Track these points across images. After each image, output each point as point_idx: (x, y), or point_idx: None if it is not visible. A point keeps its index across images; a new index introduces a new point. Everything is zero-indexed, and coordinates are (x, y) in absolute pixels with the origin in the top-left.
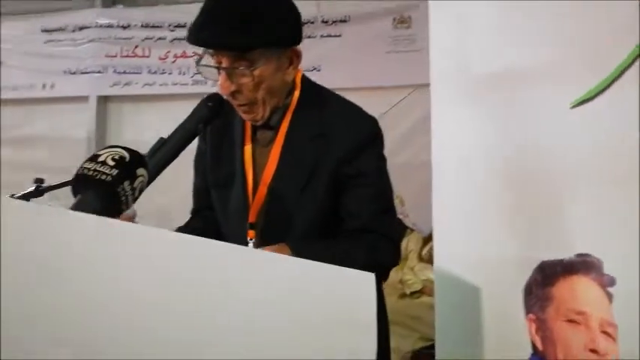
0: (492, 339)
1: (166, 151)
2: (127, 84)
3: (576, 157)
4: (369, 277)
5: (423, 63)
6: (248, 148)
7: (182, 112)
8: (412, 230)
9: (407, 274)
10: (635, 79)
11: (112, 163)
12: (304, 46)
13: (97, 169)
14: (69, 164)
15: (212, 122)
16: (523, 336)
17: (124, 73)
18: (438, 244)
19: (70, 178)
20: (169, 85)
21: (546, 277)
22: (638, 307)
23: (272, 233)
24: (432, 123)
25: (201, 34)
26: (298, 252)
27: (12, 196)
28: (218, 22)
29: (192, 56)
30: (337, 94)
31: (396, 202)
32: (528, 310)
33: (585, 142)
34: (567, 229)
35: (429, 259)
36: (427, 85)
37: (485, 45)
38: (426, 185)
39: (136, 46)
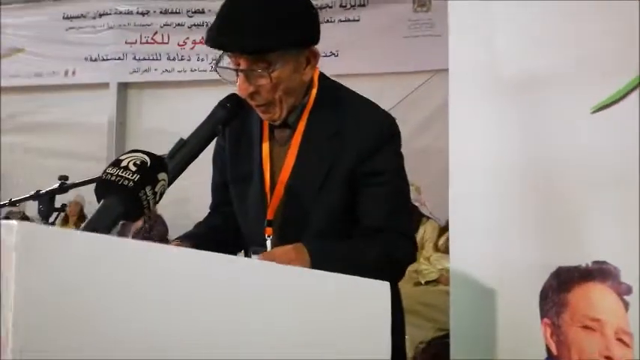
0: (507, 341)
1: (186, 152)
2: (146, 70)
3: (596, 162)
4: (384, 286)
5: (442, 48)
6: (266, 147)
7: (201, 98)
8: (428, 219)
9: (423, 263)
10: None
11: (133, 168)
12: (322, 31)
13: (120, 174)
14: (90, 150)
15: (230, 123)
16: (538, 339)
17: (144, 59)
18: (454, 246)
19: (91, 164)
20: (188, 71)
21: (562, 283)
22: None
23: (289, 231)
24: (450, 129)
25: (219, 38)
26: (314, 251)
27: (31, 196)
28: (236, 25)
29: None
30: (354, 92)
31: (412, 189)
32: (544, 314)
33: (606, 147)
34: (585, 234)
35: (445, 250)
36: (446, 71)
37: (507, 44)
38: (444, 173)
39: (155, 33)
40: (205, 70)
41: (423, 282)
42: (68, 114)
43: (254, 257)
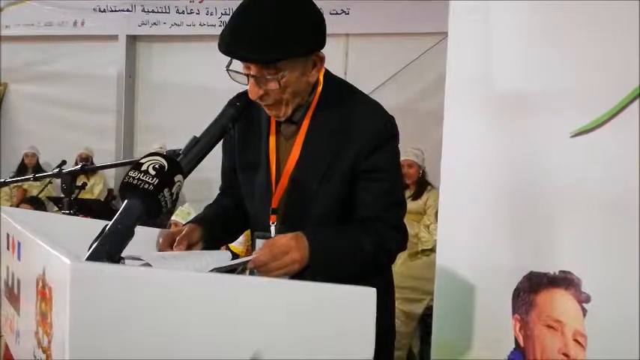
0: (483, 331)
1: (199, 149)
2: (155, 24)
3: (572, 182)
4: (369, 293)
5: None
6: (272, 140)
7: (209, 52)
8: (432, 187)
9: (422, 231)
10: (635, 116)
11: (153, 172)
12: None
13: (141, 178)
14: (100, 101)
15: (239, 120)
16: (509, 332)
17: (152, 12)
18: (441, 245)
19: (101, 116)
20: (197, 25)
21: (533, 286)
22: (610, 323)
23: (292, 218)
24: (444, 135)
25: (231, 46)
26: (313, 240)
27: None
28: (247, 36)
29: None
30: (358, 90)
31: (419, 153)
32: (515, 310)
33: (581, 169)
34: (556, 246)
35: None
36: None
37: (502, 64)
38: None
39: None
40: (214, 25)
41: (419, 249)
42: (78, 65)
43: (258, 242)
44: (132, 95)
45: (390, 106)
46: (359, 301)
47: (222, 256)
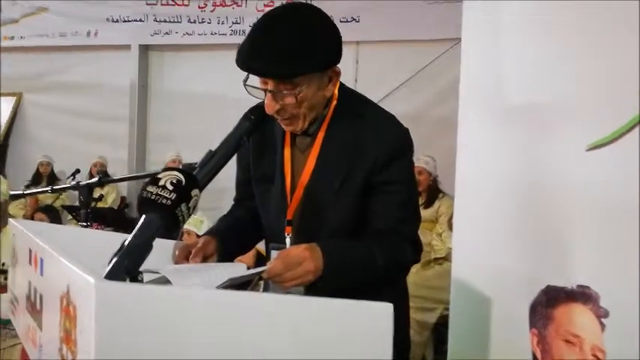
0: (499, 344)
1: (214, 163)
2: (167, 33)
3: (588, 194)
4: (386, 308)
5: None
6: (287, 152)
7: (221, 61)
8: (444, 195)
9: (435, 239)
10: None
11: (170, 187)
12: None
13: (159, 193)
14: (113, 110)
15: (254, 134)
16: (526, 346)
17: (164, 21)
18: (456, 257)
19: (114, 125)
20: (208, 34)
21: (550, 300)
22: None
23: (307, 230)
24: (458, 145)
25: (249, 62)
26: (327, 252)
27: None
28: (264, 51)
29: (230, 5)
30: (372, 103)
31: (429, 160)
32: (532, 324)
33: (597, 182)
34: (572, 259)
35: None
36: None
37: (516, 73)
38: None
39: None
40: (225, 34)
41: (432, 257)
42: (92, 74)
43: (273, 253)
44: (144, 104)
45: (400, 113)
46: (376, 317)
47: (237, 268)
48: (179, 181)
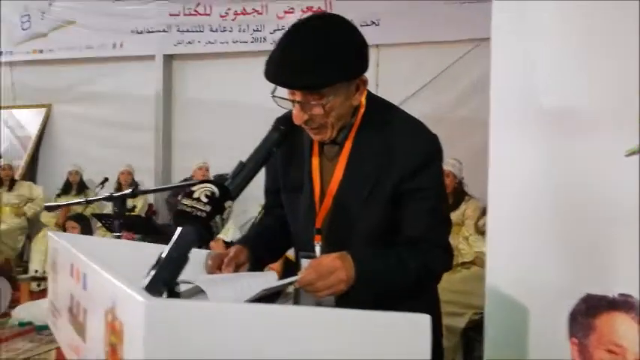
0: (536, 354)
1: (245, 174)
2: (190, 42)
3: (626, 200)
4: (424, 319)
5: (487, 15)
6: (315, 161)
7: (243, 68)
8: (470, 197)
9: (461, 242)
10: None
11: (205, 199)
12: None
13: (194, 205)
14: (137, 120)
15: (283, 144)
16: (564, 355)
17: (187, 31)
18: (490, 264)
19: (139, 134)
20: (230, 43)
21: (590, 309)
22: None
23: (336, 238)
24: (490, 150)
25: (276, 75)
26: (358, 260)
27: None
28: (292, 63)
29: (251, 13)
30: (400, 109)
31: (455, 162)
32: (572, 334)
33: (636, 187)
34: (610, 266)
35: (484, 232)
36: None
37: (549, 76)
38: (484, 145)
39: (198, 4)
40: (246, 42)
41: (459, 261)
42: (118, 85)
43: (303, 262)
44: (169, 112)
45: (422, 115)
46: (415, 328)
47: (268, 277)
48: (213, 194)
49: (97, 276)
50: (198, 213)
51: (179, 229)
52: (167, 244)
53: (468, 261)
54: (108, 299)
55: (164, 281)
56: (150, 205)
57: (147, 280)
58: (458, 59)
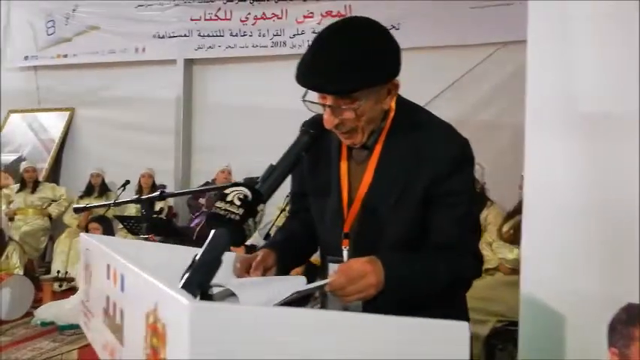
0: None
1: (276, 177)
2: (210, 47)
3: None
4: (463, 327)
5: (508, 18)
6: (344, 165)
7: (262, 72)
8: (492, 203)
9: (484, 249)
10: None
11: (238, 202)
12: (383, 3)
13: (227, 208)
14: (158, 123)
15: (313, 147)
16: None
17: (208, 36)
18: (525, 271)
19: (161, 137)
20: (250, 47)
21: (631, 318)
22: None
23: (364, 243)
24: (526, 155)
25: (309, 79)
26: (388, 265)
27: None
28: (324, 68)
29: (271, 17)
30: (430, 113)
31: (477, 168)
32: (611, 343)
33: None
34: None
35: (508, 238)
36: (514, 43)
37: (586, 81)
38: (506, 149)
39: (219, 9)
40: (266, 46)
41: (483, 269)
42: (139, 89)
43: (331, 266)
44: (189, 116)
45: (443, 119)
46: (453, 336)
47: (298, 281)
48: (246, 197)
49: (137, 278)
50: (232, 216)
51: (212, 231)
52: (187, 245)
53: (492, 267)
54: (150, 301)
55: (198, 284)
56: (170, 208)
57: (181, 283)
58: (479, 63)
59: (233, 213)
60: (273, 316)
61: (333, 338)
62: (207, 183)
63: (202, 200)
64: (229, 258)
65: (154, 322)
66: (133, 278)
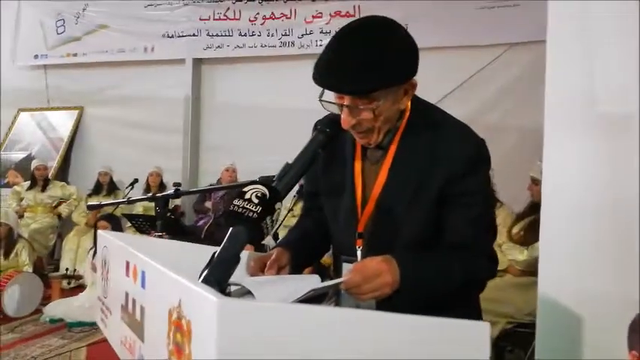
0: None
1: (292, 175)
2: (219, 47)
3: None
4: (483, 327)
5: (518, 19)
6: (358, 165)
7: (271, 72)
8: (502, 204)
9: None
10: None
11: (256, 200)
12: (392, 3)
13: (245, 206)
14: (166, 122)
15: (328, 145)
16: None
17: (217, 35)
18: (543, 273)
19: (169, 136)
20: (258, 47)
21: None
22: None
23: (378, 242)
24: (544, 156)
25: (327, 79)
26: (403, 264)
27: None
28: (342, 68)
29: (279, 17)
30: (446, 113)
31: None
32: (631, 347)
33: None
34: None
35: (519, 240)
36: (521, 44)
37: (606, 80)
38: (512, 151)
39: (227, 9)
40: (275, 46)
41: None
42: (148, 88)
43: (345, 265)
44: (197, 115)
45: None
46: (473, 336)
47: (312, 280)
48: (264, 195)
49: (159, 274)
50: (250, 214)
51: (231, 229)
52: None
53: (501, 269)
54: (174, 297)
55: (216, 281)
56: (176, 207)
57: (200, 280)
58: (487, 64)
59: (251, 211)
60: (298, 313)
61: (357, 336)
62: (212, 185)
63: (208, 204)
64: (242, 257)
65: (177, 319)
66: (154, 275)
